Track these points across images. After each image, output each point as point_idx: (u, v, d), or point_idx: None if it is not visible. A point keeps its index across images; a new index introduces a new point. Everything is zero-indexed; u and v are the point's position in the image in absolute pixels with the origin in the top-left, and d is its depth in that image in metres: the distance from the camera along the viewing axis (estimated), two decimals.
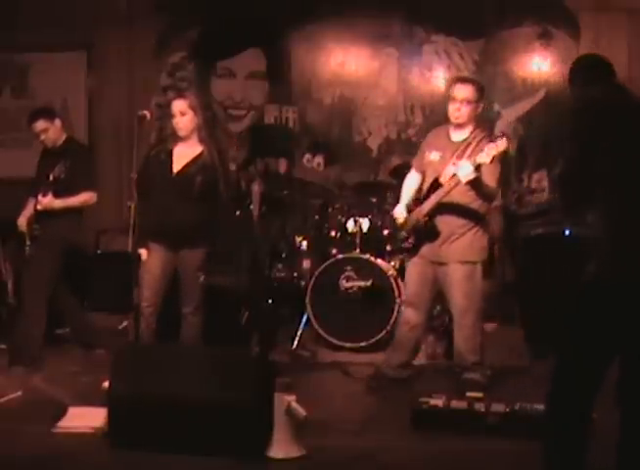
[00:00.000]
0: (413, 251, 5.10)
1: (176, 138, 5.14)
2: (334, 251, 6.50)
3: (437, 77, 7.57)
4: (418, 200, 5.13)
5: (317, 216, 6.80)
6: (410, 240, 5.10)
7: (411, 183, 5.27)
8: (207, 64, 8.06)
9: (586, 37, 7.31)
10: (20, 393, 4.93)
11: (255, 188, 6.88)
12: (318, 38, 7.79)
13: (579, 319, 3.12)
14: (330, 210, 6.73)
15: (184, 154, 5.13)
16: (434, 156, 5.08)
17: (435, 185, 4.96)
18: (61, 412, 4.37)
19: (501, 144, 4.66)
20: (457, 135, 5.06)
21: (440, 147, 5.07)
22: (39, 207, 5.46)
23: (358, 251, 6.29)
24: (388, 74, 7.75)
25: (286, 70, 7.93)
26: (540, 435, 3.14)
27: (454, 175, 4.77)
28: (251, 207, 6.84)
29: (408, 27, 7.67)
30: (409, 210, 5.14)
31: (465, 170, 4.70)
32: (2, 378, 5.29)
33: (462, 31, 7.55)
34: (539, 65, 7.47)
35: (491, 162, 4.70)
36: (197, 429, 3.87)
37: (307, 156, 7.88)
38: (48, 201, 5.44)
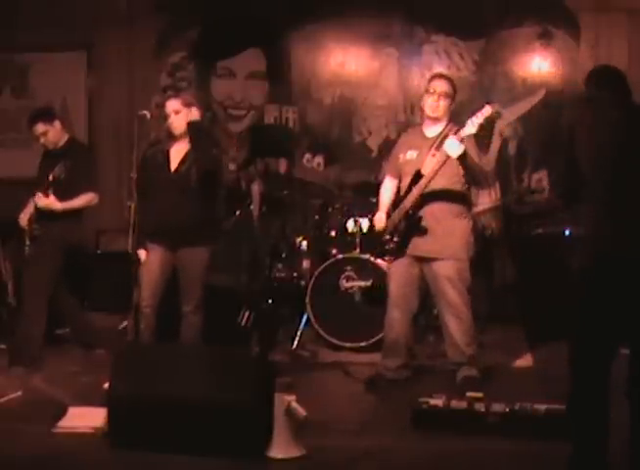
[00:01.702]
0: (399, 251, 5.10)
1: (172, 138, 5.14)
2: (334, 251, 6.50)
3: None
4: (397, 201, 5.14)
5: (317, 216, 6.80)
6: (395, 239, 5.10)
7: (388, 190, 5.30)
8: (207, 64, 8.07)
9: (586, 37, 7.31)
10: (20, 393, 4.93)
11: (255, 188, 6.89)
12: (318, 38, 7.79)
13: (579, 307, 3.32)
14: (330, 210, 6.72)
15: (180, 152, 5.13)
16: (410, 155, 5.11)
17: (417, 178, 4.99)
18: (61, 412, 4.37)
19: (485, 110, 4.77)
20: (431, 131, 5.11)
21: (416, 145, 5.11)
22: (39, 203, 5.43)
23: (358, 251, 6.29)
24: (388, 74, 7.75)
25: (286, 70, 7.94)
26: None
27: (442, 153, 4.82)
28: (252, 207, 6.85)
29: (408, 27, 7.67)
30: (389, 215, 5.17)
31: (452, 145, 4.78)
32: (2, 378, 5.29)
33: (462, 31, 7.55)
34: (539, 65, 7.47)
35: (479, 131, 4.79)
36: (197, 429, 3.87)
37: (307, 156, 7.89)
38: (49, 201, 5.43)
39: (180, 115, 5.09)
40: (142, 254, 5.08)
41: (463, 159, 4.85)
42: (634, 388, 3.26)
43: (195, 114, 5.14)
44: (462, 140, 4.78)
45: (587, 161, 3.37)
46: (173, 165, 5.11)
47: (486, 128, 5.00)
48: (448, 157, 4.82)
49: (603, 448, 3.23)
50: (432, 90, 5.07)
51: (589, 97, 3.55)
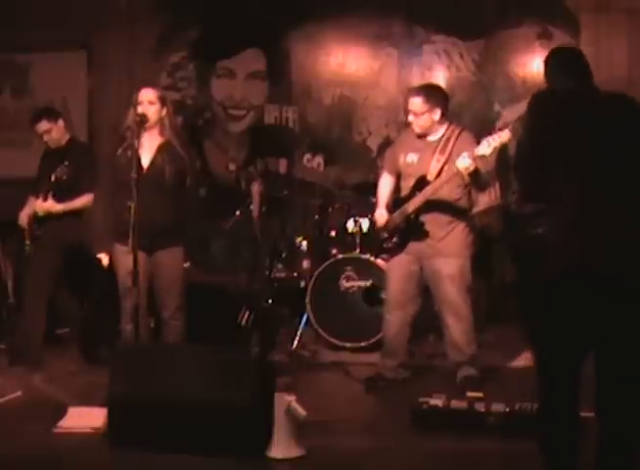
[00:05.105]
0: (397, 250, 5.10)
1: (137, 131, 4.74)
2: (334, 251, 6.50)
3: (437, 77, 7.56)
4: (399, 200, 5.14)
5: (317, 216, 6.80)
6: (394, 239, 5.11)
7: (386, 186, 5.29)
8: (207, 64, 8.07)
9: (586, 37, 7.30)
10: (20, 393, 4.94)
11: (255, 188, 6.88)
12: (318, 38, 7.79)
13: (540, 316, 3.17)
14: (330, 210, 6.73)
15: (148, 146, 4.89)
16: (411, 158, 5.08)
17: (422, 184, 4.97)
18: (61, 412, 4.38)
19: (504, 135, 4.68)
20: (432, 135, 5.07)
21: (417, 148, 5.08)
22: (39, 212, 5.45)
23: (358, 251, 6.29)
24: (388, 74, 7.75)
25: (286, 70, 7.93)
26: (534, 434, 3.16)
27: (454, 167, 4.77)
28: (251, 207, 6.85)
29: (408, 27, 7.66)
30: (389, 211, 5.17)
31: (464, 163, 4.72)
32: (2, 378, 5.30)
33: (462, 31, 7.55)
34: (539, 65, 7.46)
35: (492, 153, 4.72)
36: (196, 429, 3.88)
37: (307, 156, 7.88)
38: (49, 205, 5.44)
39: (154, 106, 4.89)
40: (104, 258, 4.84)
41: (473, 174, 4.81)
42: (601, 403, 3.10)
43: (166, 113, 4.96)
44: (474, 159, 4.72)
45: (551, 163, 3.09)
46: (145, 161, 4.86)
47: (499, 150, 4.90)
48: (458, 172, 4.78)
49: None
50: (408, 109, 5.03)
51: (552, 91, 3.32)
